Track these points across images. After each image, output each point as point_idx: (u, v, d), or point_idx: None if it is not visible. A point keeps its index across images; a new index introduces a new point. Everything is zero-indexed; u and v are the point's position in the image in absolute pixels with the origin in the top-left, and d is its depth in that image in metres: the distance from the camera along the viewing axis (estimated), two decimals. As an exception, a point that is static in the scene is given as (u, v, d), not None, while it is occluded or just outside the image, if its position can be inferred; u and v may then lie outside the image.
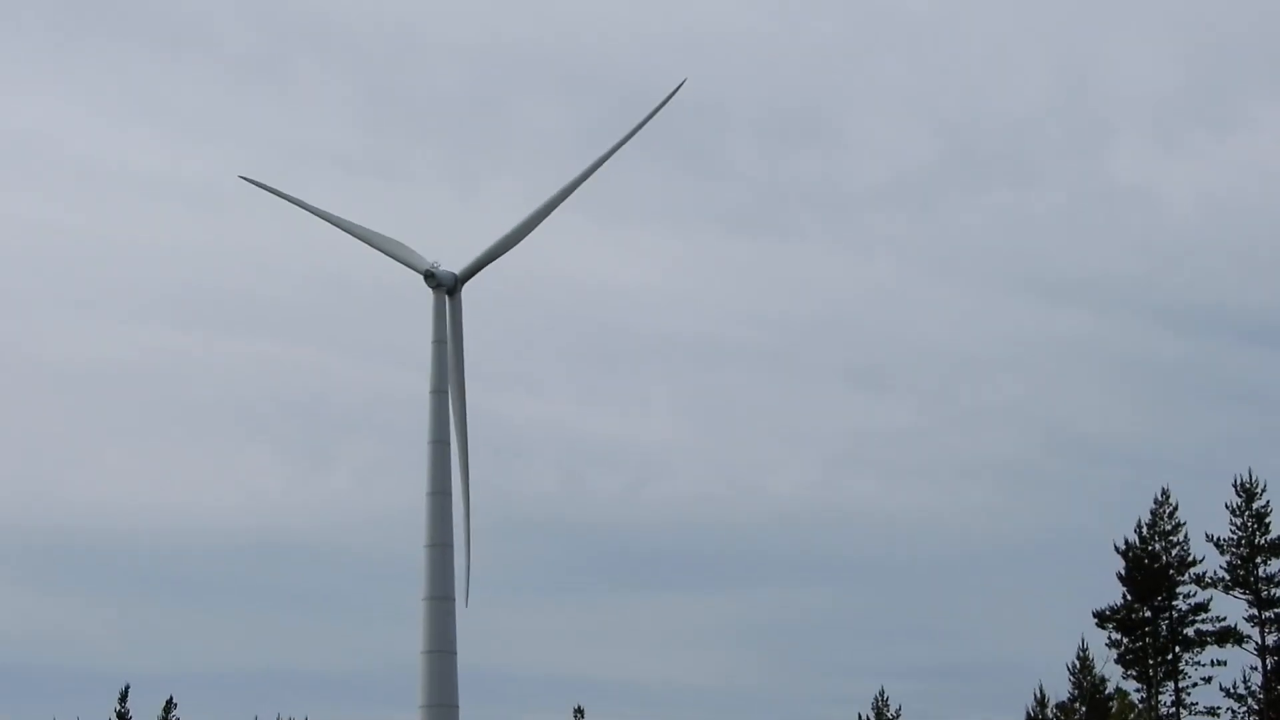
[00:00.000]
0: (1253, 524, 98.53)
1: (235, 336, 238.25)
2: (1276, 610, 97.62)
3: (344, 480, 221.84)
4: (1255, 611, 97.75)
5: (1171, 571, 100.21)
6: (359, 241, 77.52)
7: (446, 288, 74.95)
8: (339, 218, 78.27)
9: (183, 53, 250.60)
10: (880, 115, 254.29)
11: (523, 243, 75.53)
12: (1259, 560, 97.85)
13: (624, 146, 75.53)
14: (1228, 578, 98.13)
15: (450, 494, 72.88)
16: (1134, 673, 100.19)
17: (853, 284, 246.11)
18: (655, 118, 75.44)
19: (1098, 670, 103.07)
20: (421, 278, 75.21)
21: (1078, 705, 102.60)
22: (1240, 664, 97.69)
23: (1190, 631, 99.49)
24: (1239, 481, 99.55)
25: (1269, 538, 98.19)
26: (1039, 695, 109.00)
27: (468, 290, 75.78)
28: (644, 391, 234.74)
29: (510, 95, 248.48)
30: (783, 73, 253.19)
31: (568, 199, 75.79)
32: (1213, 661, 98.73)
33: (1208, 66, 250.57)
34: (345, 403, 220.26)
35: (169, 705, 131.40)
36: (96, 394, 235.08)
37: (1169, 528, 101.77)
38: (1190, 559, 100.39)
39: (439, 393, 74.02)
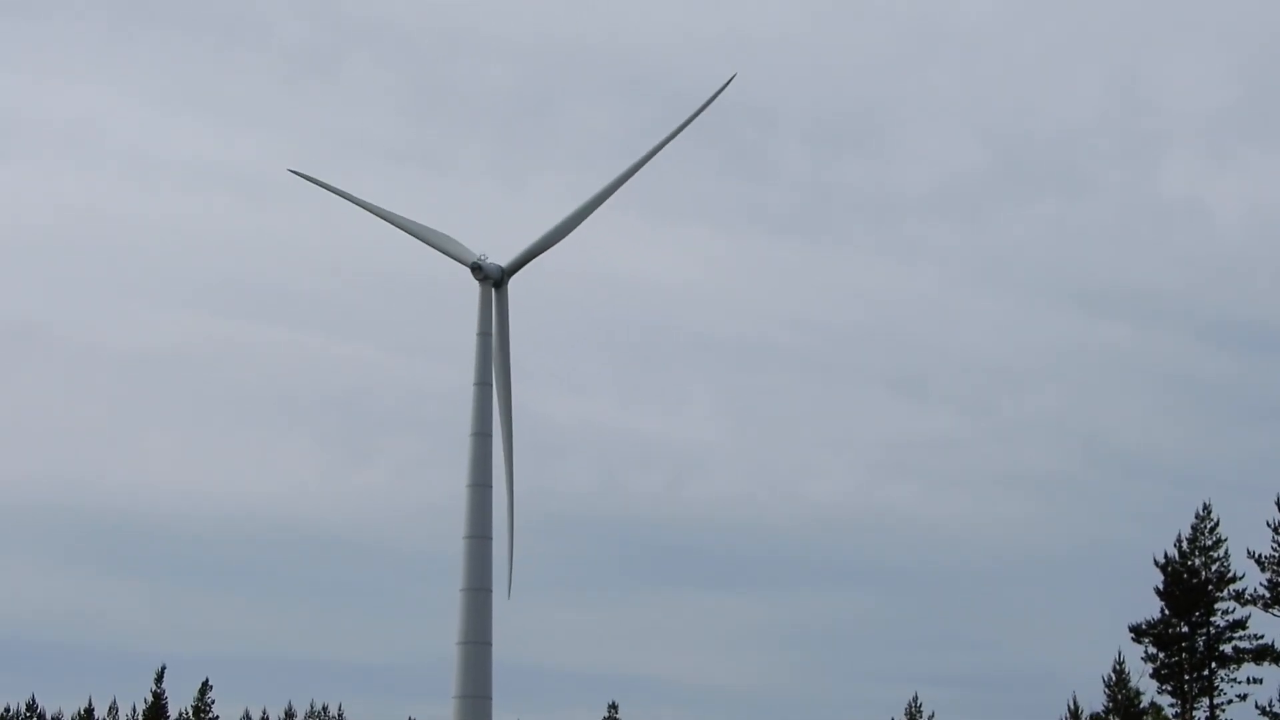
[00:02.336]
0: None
1: (279, 327, 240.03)
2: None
3: (382, 473, 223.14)
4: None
5: (1210, 587, 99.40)
6: (407, 235, 77.63)
7: (493, 280, 75.16)
8: (388, 211, 78.35)
9: (234, 43, 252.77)
10: (929, 123, 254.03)
11: (568, 240, 75.69)
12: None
13: (671, 142, 75.60)
14: (1267, 595, 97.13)
15: (490, 486, 73.09)
16: (1169, 688, 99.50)
17: (896, 291, 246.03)
18: (703, 115, 75.49)
19: (1132, 684, 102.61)
20: (468, 271, 75.49)
21: (1111, 718, 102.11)
22: (1277, 682, 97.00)
23: (1227, 648, 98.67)
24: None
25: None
26: (1072, 707, 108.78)
27: (513, 285, 76.03)
28: (685, 391, 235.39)
29: (558, 93, 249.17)
30: (833, 78, 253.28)
31: (614, 195, 76.05)
32: (1249, 679, 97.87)
33: (1260, 81, 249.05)
34: (386, 397, 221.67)
35: (204, 687, 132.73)
36: (141, 379, 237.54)
37: (1209, 543, 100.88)
38: (1230, 575, 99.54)
39: (483, 385, 74.16)
